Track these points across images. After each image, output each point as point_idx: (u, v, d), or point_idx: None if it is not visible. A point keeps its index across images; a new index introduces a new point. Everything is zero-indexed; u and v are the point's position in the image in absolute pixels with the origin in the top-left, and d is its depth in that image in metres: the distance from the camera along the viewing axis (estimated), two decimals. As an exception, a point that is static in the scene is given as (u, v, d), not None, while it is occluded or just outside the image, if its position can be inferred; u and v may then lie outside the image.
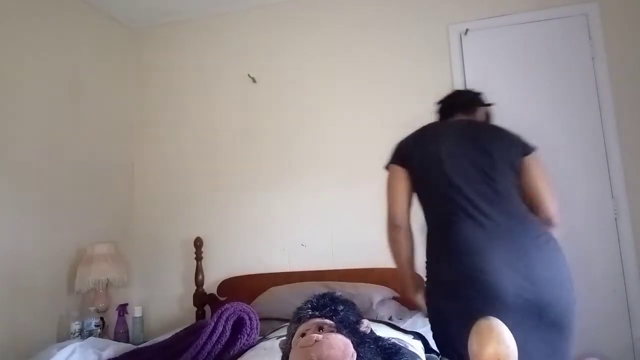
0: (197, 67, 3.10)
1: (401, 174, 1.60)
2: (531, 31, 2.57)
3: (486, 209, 1.42)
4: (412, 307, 2.43)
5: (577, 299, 1.39)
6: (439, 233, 1.52)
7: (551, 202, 1.50)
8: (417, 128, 1.66)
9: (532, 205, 1.50)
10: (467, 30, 2.66)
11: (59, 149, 2.55)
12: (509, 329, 0.91)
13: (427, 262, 1.52)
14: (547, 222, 1.49)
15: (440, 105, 1.77)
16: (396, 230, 1.60)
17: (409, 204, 1.60)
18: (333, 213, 2.75)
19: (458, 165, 1.49)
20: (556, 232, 1.47)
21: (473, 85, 2.57)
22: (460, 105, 1.71)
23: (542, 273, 1.34)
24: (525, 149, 1.53)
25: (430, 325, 1.52)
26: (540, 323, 1.33)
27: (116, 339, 2.47)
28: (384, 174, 2.66)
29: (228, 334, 1.68)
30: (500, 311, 1.24)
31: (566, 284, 1.38)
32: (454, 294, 1.41)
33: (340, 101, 2.82)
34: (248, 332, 1.72)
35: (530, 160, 1.52)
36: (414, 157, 1.60)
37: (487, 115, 1.74)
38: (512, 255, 1.35)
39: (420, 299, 1.62)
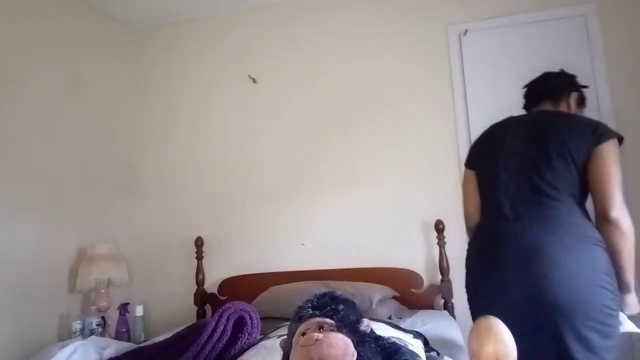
0: (197, 67, 3.11)
1: (469, 175, 1.63)
2: (530, 32, 2.57)
3: (521, 207, 1.41)
4: (411, 307, 2.44)
5: (616, 308, 1.31)
6: (475, 230, 1.56)
7: (610, 192, 1.35)
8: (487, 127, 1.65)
9: (593, 197, 1.41)
10: (466, 31, 2.67)
11: (59, 148, 2.55)
12: (512, 327, 0.92)
13: None
14: (603, 215, 1.37)
15: (526, 90, 1.69)
16: (469, 232, 1.64)
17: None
18: (333, 212, 2.75)
19: (511, 164, 1.47)
20: (619, 231, 1.35)
21: (471, 85, 2.62)
22: (547, 94, 1.61)
23: (556, 274, 1.28)
24: (600, 139, 1.38)
25: None
26: (550, 324, 1.28)
27: (117, 338, 2.48)
28: (383, 174, 2.70)
29: (229, 333, 1.68)
30: (502, 308, 1.25)
31: (591, 289, 1.28)
32: (471, 287, 1.46)
33: (339, 101, 2.83)
34: (249, 331, 1.72)
35: (601, 149, 1.38)
36: (476, 159, 1.62)
37: (579, 100, 1.64)
38: (524, 254, 1.32)
39: None
